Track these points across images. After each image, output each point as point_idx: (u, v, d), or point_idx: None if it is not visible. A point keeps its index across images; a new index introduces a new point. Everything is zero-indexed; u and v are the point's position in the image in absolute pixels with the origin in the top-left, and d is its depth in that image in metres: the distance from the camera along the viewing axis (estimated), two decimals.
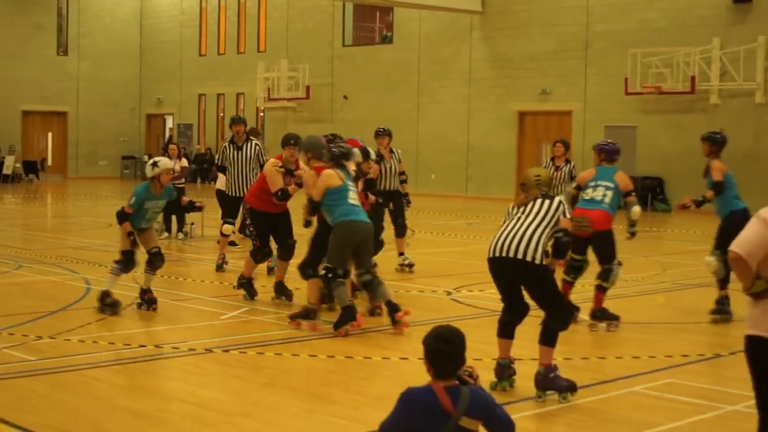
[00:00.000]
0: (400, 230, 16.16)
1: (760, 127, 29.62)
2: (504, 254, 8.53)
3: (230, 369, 9.68)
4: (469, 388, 4.95)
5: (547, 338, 8.59)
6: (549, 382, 8.49)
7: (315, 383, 9.20)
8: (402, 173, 15.99)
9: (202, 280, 15.10)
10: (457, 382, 4.98)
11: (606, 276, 11.67)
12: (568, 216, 8.87)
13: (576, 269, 11.94)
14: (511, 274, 8.64)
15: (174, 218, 20.62)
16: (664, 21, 31.48)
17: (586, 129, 33.07)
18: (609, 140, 12.59)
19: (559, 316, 8.63)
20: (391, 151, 16.16)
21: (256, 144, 16.20)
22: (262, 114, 43.29)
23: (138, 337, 10.98)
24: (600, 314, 11.70)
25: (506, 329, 8.85)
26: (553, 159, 16.66)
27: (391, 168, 15.92)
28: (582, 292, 12.72)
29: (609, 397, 8.78)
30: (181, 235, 20.60)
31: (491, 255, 8.67)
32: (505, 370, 8.75)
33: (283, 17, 42.64)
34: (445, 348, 4.99)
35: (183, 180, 21.49)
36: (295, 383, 9.16)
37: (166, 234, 20.36)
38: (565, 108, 34.01)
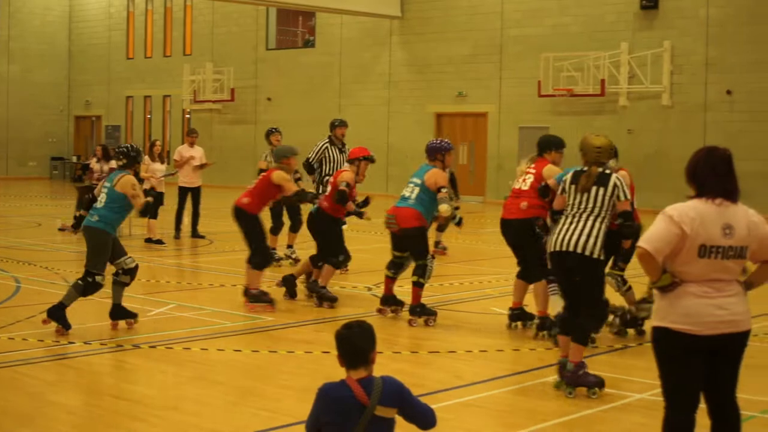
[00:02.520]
0: (296, 226, 16.34)
1: (666, 128, 29.98)
2: (564, 248, 8.60)
3: (157, 364, 9.60)
4: (382, 378, 4.95)
5: (580, 336, 8.58)
6: (579, 378, 8.47)
7: (240, 377, 9.17)
8: (295, 171, 15.35)
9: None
10: (369, 374, 4.97)
11: (421, 272, 11.54)
12: (627, 198, 8.82)
13: (397, 265, 11.95)
14: (572, 266, 8.63)
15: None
16: (576, 26, 31.74)
17: (501, 130, 33.28)
18: (443, 139, 12.14)
19: (595, 316, 8.75)
20: None
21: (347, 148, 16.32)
22: (188, 116, 42.96)
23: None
24: (419, 310, 11.57)
25: (565, 326, 8.79)
26: None
27: None
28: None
29: (525, 387, 8.84)
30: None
31: (552, 249, 8.74)
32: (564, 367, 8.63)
33: (208, 21, 42.36)
34: (349, 334, 4.99)
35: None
36: (220, 377, 9.09)
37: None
38: (480, 110, 34.14)
